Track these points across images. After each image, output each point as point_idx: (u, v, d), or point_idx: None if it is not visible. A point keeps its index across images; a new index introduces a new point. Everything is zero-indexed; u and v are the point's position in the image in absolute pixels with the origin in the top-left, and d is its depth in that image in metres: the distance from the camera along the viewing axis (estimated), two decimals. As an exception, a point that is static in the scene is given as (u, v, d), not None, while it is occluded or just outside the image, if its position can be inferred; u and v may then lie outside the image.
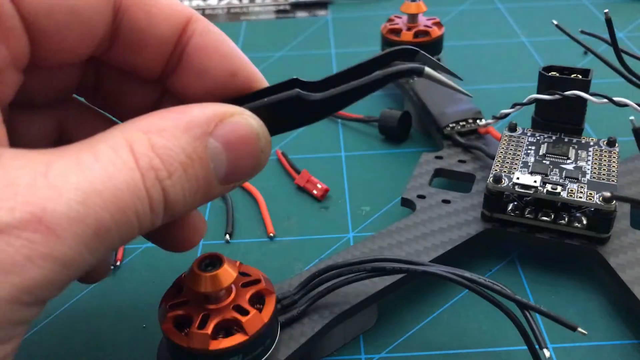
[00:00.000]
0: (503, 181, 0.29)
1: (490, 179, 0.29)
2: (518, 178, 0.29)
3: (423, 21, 0.42)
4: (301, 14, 0.60)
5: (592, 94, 0.30)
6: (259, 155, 0.20)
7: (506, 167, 0.30)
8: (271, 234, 0.33)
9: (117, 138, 0.17)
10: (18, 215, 0.15)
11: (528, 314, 0.23)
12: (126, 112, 0.24)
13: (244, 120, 0.20)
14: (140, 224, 0.17)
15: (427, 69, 0.21)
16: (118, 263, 0.32)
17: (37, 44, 0.18)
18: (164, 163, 0.18)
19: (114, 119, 0.25)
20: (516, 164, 0.30)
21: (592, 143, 0.32)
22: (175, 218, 0.19)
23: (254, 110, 0.20)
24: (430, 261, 0.27)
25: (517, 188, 0.29)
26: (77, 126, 0.23)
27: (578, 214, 0.28)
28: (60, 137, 0.23)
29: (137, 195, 0.17)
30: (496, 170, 0.30)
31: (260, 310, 0.22)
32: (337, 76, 0.21)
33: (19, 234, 0.15)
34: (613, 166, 0.30)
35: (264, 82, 0.22)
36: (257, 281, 0.23)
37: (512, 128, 0.33)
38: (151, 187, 0.17)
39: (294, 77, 0.21)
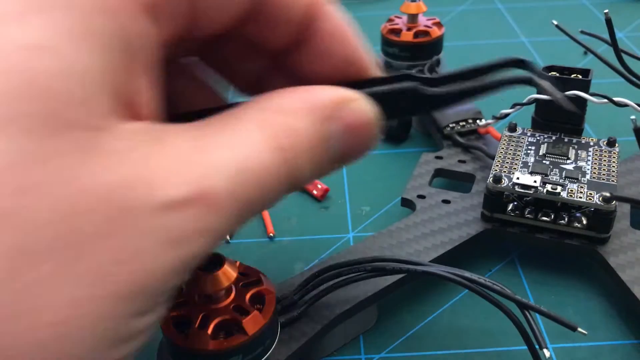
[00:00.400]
0: (503, 181, 0.29)
1: (490, 179, 0.29)
2: (518, 178, 0.29)
3: (423, 21, 0.42)
4: (301, 14, 0.60)
5: (592, 94, 0.30)
6: (372, 140, 0.21)
7: (506, 167, 0.30)
8: (271, 234, 0.33)
9: (254, 118, 0.18)
10: (186, 191, 0.15)
11: (528, 314, 0.23)
12: (232, 76, 0.24)
13: (363, 107, 0.20)
14: (271, 200, 0.18)
15: (539, 80, 0.21)
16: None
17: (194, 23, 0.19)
18: (293, 144, 0.18)
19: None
20: (516, 164, 0.30)
21: (592, 143, 0.32)
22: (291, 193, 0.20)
23: (369, 96, 0.21)
24: (430, 261, 0.27)
25: (517, 188, 0.29)
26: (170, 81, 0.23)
27: (578, 214, 0.28)
28: None
29: (273, 174, 0.18)
30: (496, 170, 0.30)
31: (260, 310, 0.22)
32: (449, 76, 0.22)
33: (187, 209, 0.15)
34: (613, 166, 0.30)
35: (377, 72, 0.22)
36: (257, 281, 0.23)
37: (512, 128, 0.33)
38: (284, 165, 0.18)
39: (406, 71, 0.22)
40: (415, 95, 0.22)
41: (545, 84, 0.21)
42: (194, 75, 0.24)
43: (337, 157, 0.20)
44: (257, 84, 0.24)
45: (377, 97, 0.21)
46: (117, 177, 0.15)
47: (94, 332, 0.14)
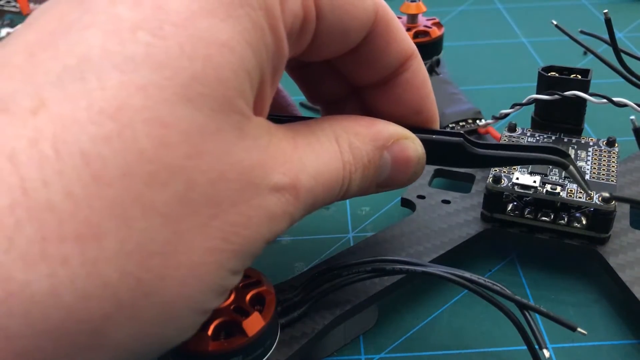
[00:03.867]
0: (503, 181, 0.29)
1: (490, 179, 0.29)
2: (517, 178, 0.29)
3: (423, 21, 0.42)
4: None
5: (591, 94, 0.30)
6: (413, 175, 0.25)
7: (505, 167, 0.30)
8: (271, 234, 0.33)
9: (328, 132, 0.22)
10: (287, 180, 0.19)
11: (527, 314, 0.23)
12: (312, 91, 0.28)
13: (414, 145, 0.24)
14: (330, 202, 0.22)
15: (571, 167, 0.25)
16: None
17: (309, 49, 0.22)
18: (355, 160, 0.22)
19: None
20: (516, 164, 0.30)
21: (591, 143, 0.32)
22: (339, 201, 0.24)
23: (422, 139, 0.25)
24: (430, 261, 0.27)
25: (516, 188, 0.29)
26: None
27: (577, 214, 0.28)
28: None
29: (338, 181, 0.22)
30: (496, 170, 0.30)
31: (260, 311, 0.22)
32: (495, 145, 0.26)
33: (283, 194, 0.19)
34: (612, 166, 0.30)
35: (436, 126, 0.26)
36: (258, 282, 0.23)
37: (512, 128, 0.33)
38: (345, 176, 0.22)
39: (461, 132, 0.26)
40: (461, 151, 0.25)
41: (577, 174, 0.25)
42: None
43: (382, 182, 0.24)
44: (329, 102, 0.28)
45: (427, 142, 0.25)
46: (252, 158, 0.18)
47: (214, 278, 0.18)
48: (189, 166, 0.16)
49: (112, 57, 0.16)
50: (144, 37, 0.16)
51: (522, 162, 0.27)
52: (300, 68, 0.27)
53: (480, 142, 0.25)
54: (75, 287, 0.15)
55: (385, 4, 0.24)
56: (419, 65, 0.25)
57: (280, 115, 0.23)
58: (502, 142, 0.26)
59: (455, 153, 0.25)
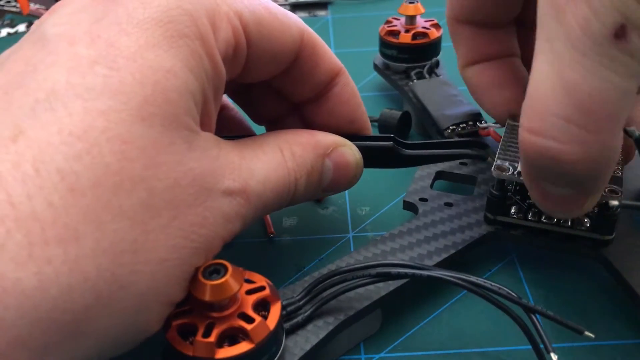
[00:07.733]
0: (507, 169, 0.28)
1: (494, 168, 0.28)
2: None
3: (421, 23, 0.42)
4: (301, 14, 0.60)
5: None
6: (353, 178, 0.28)
7: (510, 155, 0.29)
8: (271, 234, 0.33)
9: (272, 144, 0.25)
10: (237, 185, 0.22)
11: (534, 318, 0.23)
12: (254, 111, 0.31)
13: (351, 151, 0.28)
14: (281, 206, 0.25)
15: (489, 159, 0.28)
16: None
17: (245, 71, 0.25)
18: (299, 167, 0.25)
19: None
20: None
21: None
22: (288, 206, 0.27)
23: (358, 145, 0.28)
24: (434, 265, 0.27)
25: (521, 177, 0.28)
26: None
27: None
28: None
29: (285, 186, 0.24)
30: (500, 158, 0.29)
31: (265, 317, 0.22)
32: (422, 144, 0.30)
33: (235, 197, 0.22)
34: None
35: (368, 133, 0.30)
36: (262, 288, 0.23)
37: (516, 117, 0.32)
38: (292, 182, 0.25)
39: (391, 134, 0.30)
40: (391, 152, 0.29)
41: (491, 161, 0.28)
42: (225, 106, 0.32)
43: (327, 186, 0.27)
44: (272, 121, 0.31)
45: (363, 148, 0.28)
46: (203, 166, 0.21)
47: (179, 272, 0.20)
48: (147, 175, 0.19)
49: (75, 88, 0.19)
50: (101, 70, 0.19)
51: (446, 158, 0.30)
52: (242, 92, 0.30)
53: (409, 142, 0.29)
54: (60, 282, 0.17)
55: (310, 29, 0.26)
56: (347, 80, 0.28)
57: (230, 135, 0.26)
58: (424, 141, 0.31)
59: (388, 155, 0.29)
